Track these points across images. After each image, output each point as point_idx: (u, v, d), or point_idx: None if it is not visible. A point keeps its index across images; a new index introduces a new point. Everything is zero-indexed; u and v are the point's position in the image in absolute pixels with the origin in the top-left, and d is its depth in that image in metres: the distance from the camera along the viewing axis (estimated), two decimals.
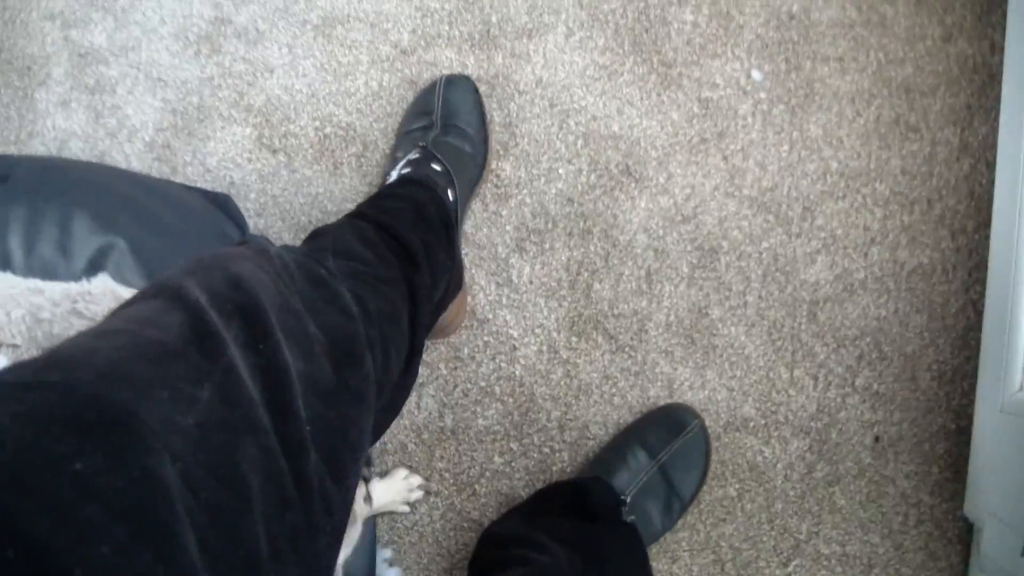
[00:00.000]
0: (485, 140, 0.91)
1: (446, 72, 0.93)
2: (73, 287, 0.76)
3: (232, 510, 0.36)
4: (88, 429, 0.32)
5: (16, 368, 0.35)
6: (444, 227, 0.72)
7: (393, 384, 0.59)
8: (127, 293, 0.77)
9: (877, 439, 0.89)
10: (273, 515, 0.39)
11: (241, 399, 0.39)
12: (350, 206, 0.92)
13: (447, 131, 0.87)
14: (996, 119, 0.91)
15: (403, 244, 0.64)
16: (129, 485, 0.32)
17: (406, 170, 0.81)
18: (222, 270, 0.46)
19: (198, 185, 0.92)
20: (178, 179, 0.93)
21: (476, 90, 0.92)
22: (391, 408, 0.64)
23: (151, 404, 0.35)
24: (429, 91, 0.92)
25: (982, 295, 0.89)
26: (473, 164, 0.88)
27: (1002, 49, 0.92)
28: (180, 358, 0.38)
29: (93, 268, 0.76)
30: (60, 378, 0.34)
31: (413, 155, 0.83)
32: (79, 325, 0.77)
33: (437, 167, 0.81)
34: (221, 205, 0.92)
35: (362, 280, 0.57)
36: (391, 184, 0.80)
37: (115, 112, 0.95)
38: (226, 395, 0.39)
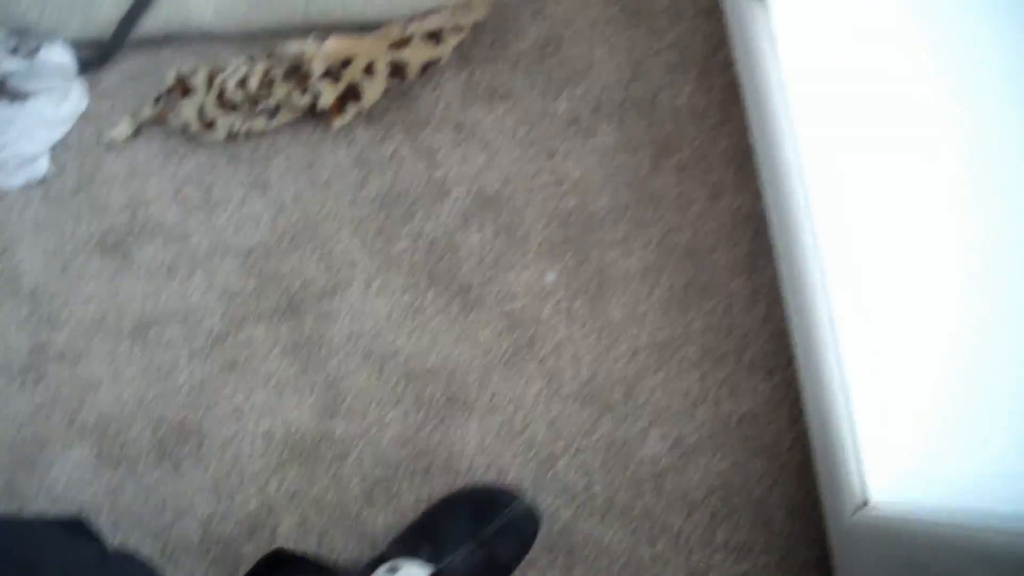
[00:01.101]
0: None
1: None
2: None
3: None
4: None
5: None
6: None
7: None
8: None
9: None
10: None
11: None
12: (200, 499, 0.95)
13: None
14: (775, 259, 0.98)
15: None
16: None
17: None
18: None
19: (50, 514, 0.93)
20: (29, 512, 0.95)
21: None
22: None
23: None
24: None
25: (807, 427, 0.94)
26: None
27: (762, 194, 1.00)
28: None
29: None
30: None
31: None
32: None
33: None
34: (76, 530, 0.94)
35: None
36: None
37: None
38: None
